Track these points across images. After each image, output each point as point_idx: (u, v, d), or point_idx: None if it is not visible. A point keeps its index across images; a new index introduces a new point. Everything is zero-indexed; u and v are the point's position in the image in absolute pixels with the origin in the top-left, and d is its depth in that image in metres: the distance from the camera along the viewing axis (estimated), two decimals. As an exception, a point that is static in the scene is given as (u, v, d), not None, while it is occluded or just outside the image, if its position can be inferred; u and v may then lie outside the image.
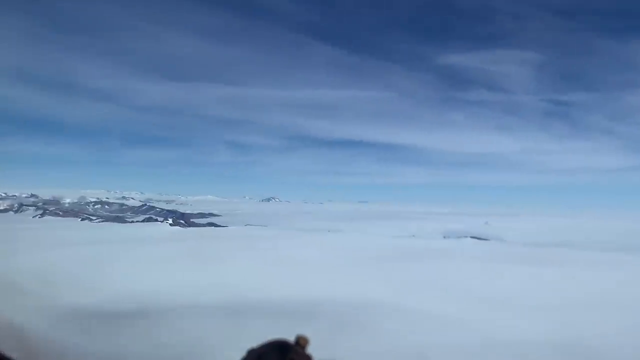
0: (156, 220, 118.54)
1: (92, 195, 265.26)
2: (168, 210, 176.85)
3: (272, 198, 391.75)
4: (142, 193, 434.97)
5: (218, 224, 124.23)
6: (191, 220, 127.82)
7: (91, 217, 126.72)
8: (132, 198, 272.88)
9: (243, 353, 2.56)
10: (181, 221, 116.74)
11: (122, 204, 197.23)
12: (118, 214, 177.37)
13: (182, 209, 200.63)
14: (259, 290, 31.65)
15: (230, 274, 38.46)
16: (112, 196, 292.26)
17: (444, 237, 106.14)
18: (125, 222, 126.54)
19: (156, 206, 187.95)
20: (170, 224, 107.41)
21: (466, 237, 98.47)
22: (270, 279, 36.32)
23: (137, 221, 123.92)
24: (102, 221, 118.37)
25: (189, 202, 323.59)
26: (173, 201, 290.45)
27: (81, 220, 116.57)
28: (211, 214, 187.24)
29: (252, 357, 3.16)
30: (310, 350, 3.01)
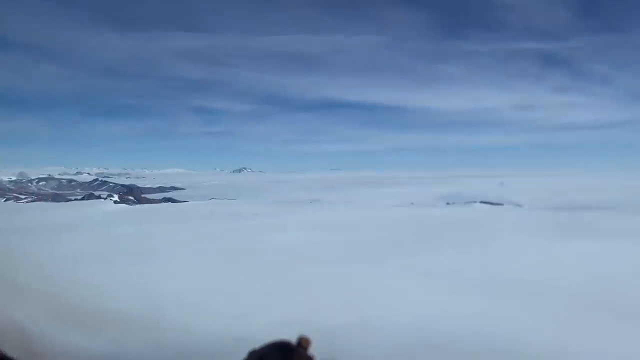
0: (99, 197, 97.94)
1: (46, 171, 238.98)
2: (123, 186, 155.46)
3: (244, 169, 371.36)
4: (105, 169, 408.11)
5: (176, 199, 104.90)
6: (143, 195, 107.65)
7: (20, 195, 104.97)
8: (88, 173, 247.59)
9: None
10: (130, 197, 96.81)
11: (72, 180, 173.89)
12: (64, 190, 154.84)
13: (140, 183, 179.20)
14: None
15: (156, 284, 20.52)
16: (70, 172, 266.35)
17: (447, 203, 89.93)
18: (66, 200, 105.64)
19: (110, 181, 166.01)
20: (115, 202, 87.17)
21: (474, 202, 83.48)
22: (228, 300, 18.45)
23: (76, 199, 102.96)
24: (32, 200, 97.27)
25: (153, 175, 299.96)
26: (134, 176, 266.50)
27: (5, 200, 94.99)
28: (173, 188, 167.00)
29: (254, 358, 3.37)
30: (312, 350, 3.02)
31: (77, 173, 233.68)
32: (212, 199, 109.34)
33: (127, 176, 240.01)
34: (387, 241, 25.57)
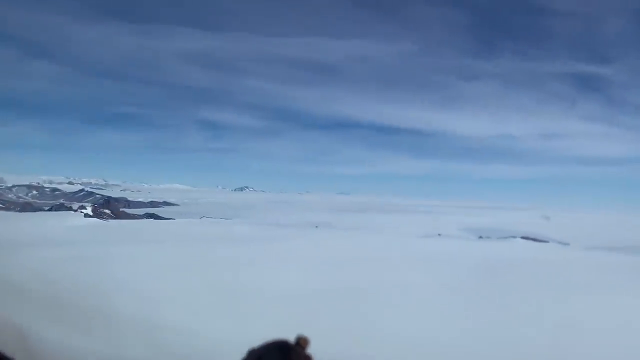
0: (69, 208, 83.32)
1: (39, 179, 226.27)
2: (109, 197, 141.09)
3: (246, 187, 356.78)
4: (104, 180, 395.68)
5: (161, 215, 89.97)
6: (122, 210, 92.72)
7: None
8: (79, 183, 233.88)
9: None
10: (106, 211, 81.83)
11: (56, 190, 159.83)
12: (46, 200, 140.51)
13: (133, 197, 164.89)
14: None
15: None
16: (62, 181, 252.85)
17: (480, 236, 74.27)
18: (34, 210, 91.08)
19: (98, 193, 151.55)
20: (86, 215, 72.22)
21: (513, 237, 68.44)
22: None
23: (47, 209, 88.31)
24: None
25: (151, 190, 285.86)
26: (130, 189, 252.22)
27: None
28: (166, 203, 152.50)
29: (253, 357, 3.47)
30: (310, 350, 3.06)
31: (69, 183, 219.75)
32: (203, 218, 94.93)
33: (123, 189, 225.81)
34: (453, 283, 16.54)
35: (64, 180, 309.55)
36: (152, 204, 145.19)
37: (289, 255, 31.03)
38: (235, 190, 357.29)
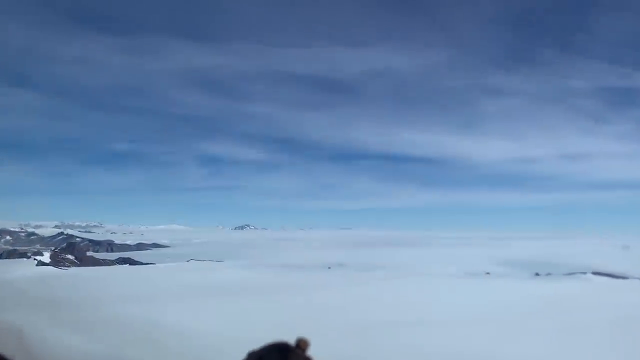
0: (26, 255, 68.47)
1: (37, 225, 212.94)
2: (91, 241, 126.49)
3: (247, 226, 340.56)
4: (99, 223, 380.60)
5: (138, 260, 74.86)
6: (90, 255, 77.58)
7: None
8: (68, 227, 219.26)
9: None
10: (67, 256, 66.98)
11: (32, 234, 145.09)
12: (21, 245, 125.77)
13: (121, 240, 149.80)
14: None
15: None
16: (48, 225, 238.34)
17: (536, 273, 59.51)
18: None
19: (77, 235, 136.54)
20: (40, 263, 57.79)
21: (581, 272, 53.92)
22: None
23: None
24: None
25: (146, 231, 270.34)
26: (122, 231, 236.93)
27: None
28: (155, 245, 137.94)
29: (253, 359, 3.51)
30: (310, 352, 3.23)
31: (56, 227, 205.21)
32: (191, 260, 80.00)
33: (113, 231, 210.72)
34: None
35: (58, 224, 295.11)
36: (139, 247, 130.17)
37: (317, 315, 18.21)
38: (235, 228, 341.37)
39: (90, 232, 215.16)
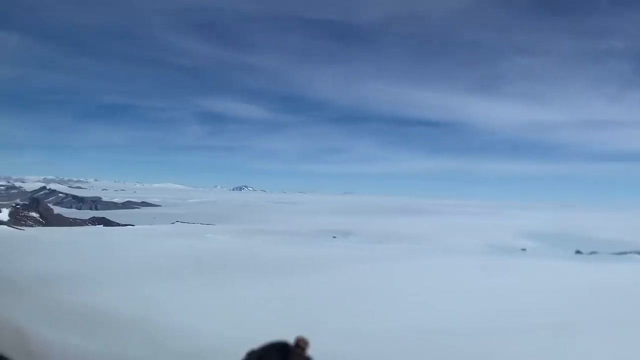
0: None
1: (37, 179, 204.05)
2: (75, 197, 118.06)
3: (245, 187, 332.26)
4: (95, 179, 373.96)
5: (115, 221, 65.93)
6: (58, 214, 67.99)
7: None
8: (60, 182, 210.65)
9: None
10: (32, 214, 57.80)
11: (12, 188, 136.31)
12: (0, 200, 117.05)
13: (109, 197, 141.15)
14: None
15: None
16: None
17: (578, 251, 51.49)
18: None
19: (60, 191, 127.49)
20: (-3, 221, 48.67)
21: (629, 252, 45.85)
22: None
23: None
24: None
25: (143, 189, 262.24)
26: (116, 188, 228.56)
27: None
28: (145, 204, 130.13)
29: (252, 359, 3.44)
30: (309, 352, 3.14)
31: (40, 181, 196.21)
32: (177, 222, 71.03)
33: (105, 188, 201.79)
34: None
35: (45, 178, 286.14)
36: (127, 205, 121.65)
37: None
38: (233, 189, 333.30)
39: (81, 187, 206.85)
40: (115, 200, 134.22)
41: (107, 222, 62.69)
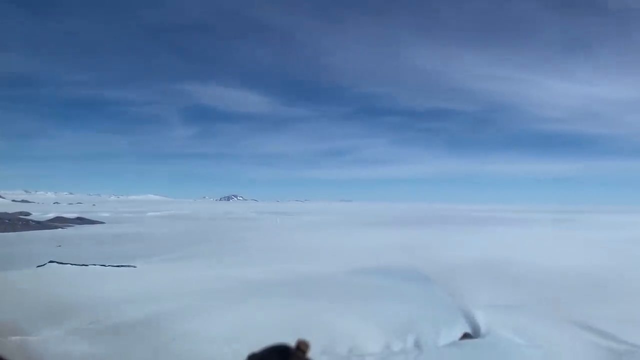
0: None
1: None
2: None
3: (234, 196, 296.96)
4: (70, 193, 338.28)
5: None
6: None
7: None
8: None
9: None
10: None
11: None
12: None
13: (45, 211, 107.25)
14: None
15: None
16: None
17: None
18: None
19: None
20: None
21: None
22: None
23: None
24: None
25: (107, 202, 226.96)
26: (65, 202, 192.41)
27: None
28: (86, 221, 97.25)
29: None
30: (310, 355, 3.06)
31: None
32: (49, 263, 36.98)
33: (56, 201, 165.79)
34: None
35: (21, 194, 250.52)
36: (50, 222, 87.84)
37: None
38: (220, 199, 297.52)
39: (27, 201, 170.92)
40: (50, 215, 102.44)
41: None
